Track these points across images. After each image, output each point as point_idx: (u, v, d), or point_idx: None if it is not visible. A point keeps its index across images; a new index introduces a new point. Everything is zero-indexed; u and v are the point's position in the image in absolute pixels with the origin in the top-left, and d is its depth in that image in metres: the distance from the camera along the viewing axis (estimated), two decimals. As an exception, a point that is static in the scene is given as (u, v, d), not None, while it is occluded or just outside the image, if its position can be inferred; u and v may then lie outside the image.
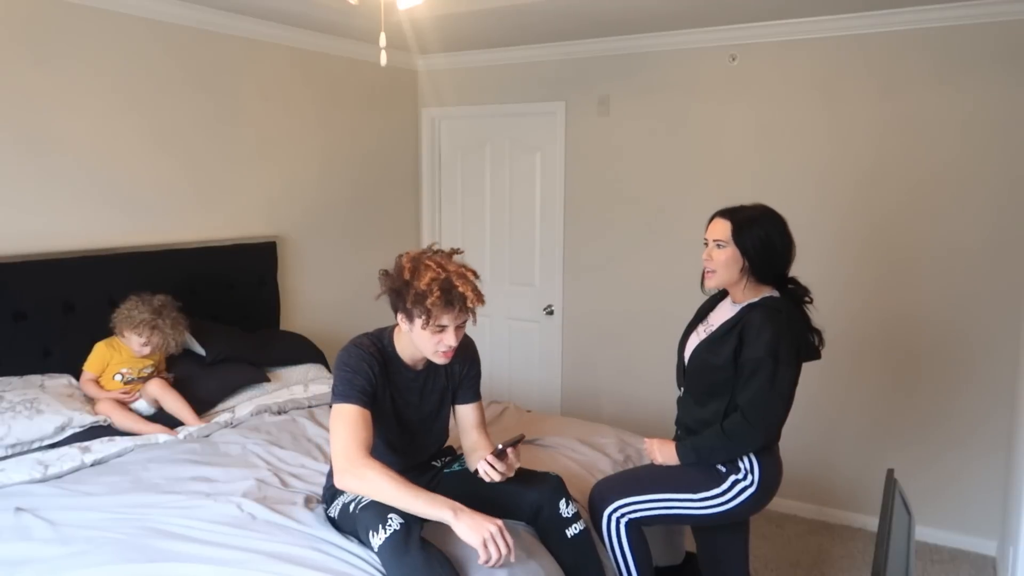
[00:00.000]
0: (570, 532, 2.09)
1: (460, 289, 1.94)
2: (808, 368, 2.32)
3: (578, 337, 4.48)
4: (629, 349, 4.29)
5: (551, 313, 4.55)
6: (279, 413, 3.03)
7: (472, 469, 2.14)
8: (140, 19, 3.26)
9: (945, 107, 3.41)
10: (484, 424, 2.27)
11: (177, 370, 3.10)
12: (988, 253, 3.39)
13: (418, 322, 1.96)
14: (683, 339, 2.48)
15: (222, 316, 3.53)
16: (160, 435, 2.74)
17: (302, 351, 3.62)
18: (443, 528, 1.98)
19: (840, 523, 3.81)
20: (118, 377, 2.90)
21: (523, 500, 2.09)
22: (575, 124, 4.31)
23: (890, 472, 2.00)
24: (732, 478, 2.26)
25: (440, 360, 2.06)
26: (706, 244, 2.31)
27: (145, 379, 2.94)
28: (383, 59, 2.32)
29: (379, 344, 2.09)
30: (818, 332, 2.31)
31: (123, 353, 2.91)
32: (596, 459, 2.70)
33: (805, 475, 3.81)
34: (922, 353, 3.57)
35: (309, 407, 3.12)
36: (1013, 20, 3.23)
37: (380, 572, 1.84)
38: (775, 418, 2.25)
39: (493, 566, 1.81)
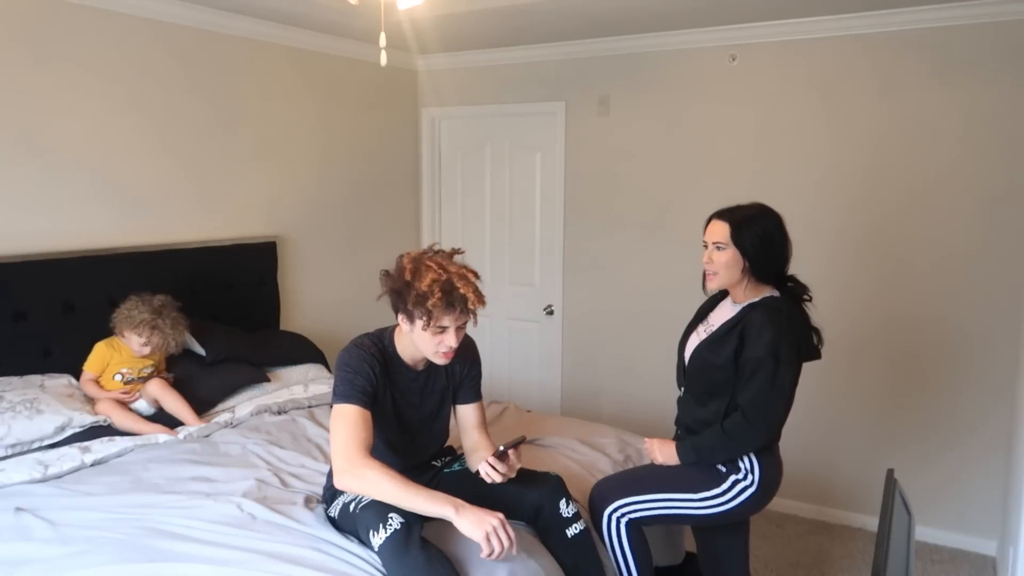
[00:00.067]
0: (570, 532, 2.10)
1: (461, 291, 1.94)
2: (808, 368, 2.32)
3: (578, 337, 4.48)
4: (629, 349, 4.29)
5: (551, 313, 4.55)
6: (279, 413, 3.03)
7: (473, 469, 2.14)
8: (140, 19, 3.26)
9: (944, 107, 3.41)
10: (485, 424, 2.27)
11: (177, 370, 3.10)
12: (988, 253, 3.39)
13: (419, 323, 1.96)
14: (683, 339, 2.48)
15: (222, 316, 3.53)
16: (160, 435, 2.74)
17: (302, 351, 3.62)
18: (443, 528, 1.98)
19: (840, 523, 3.81)
20: (118, 377, 2.90)
21: (523, 500, 2.09)
22: (575, 124, 4.31)
23: (890, 472, 2.00)
24: (732, 478, 2.26)
25: (440, 361, 2.06)
26: (705, 246, 2.31)
27: (145, 379, 2.94)
28: (383, 59, 2.32)
29: (380, 344, 2.09)
30: (817, 331, 2.32)
31: (123, 353, 2.91)
32: (596, 459, 2.70)
33: (805, 475, 3.81)
34: (922, 353, 3.57)
35: (309, 407, 3.11)
36: (1013, 20, 3.23)
37: (380, 572, 1.84)
38: (776, 418, 2.25)
39: (496, 559, 1.81)
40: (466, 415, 2.25)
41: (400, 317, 2.03)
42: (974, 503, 3.52)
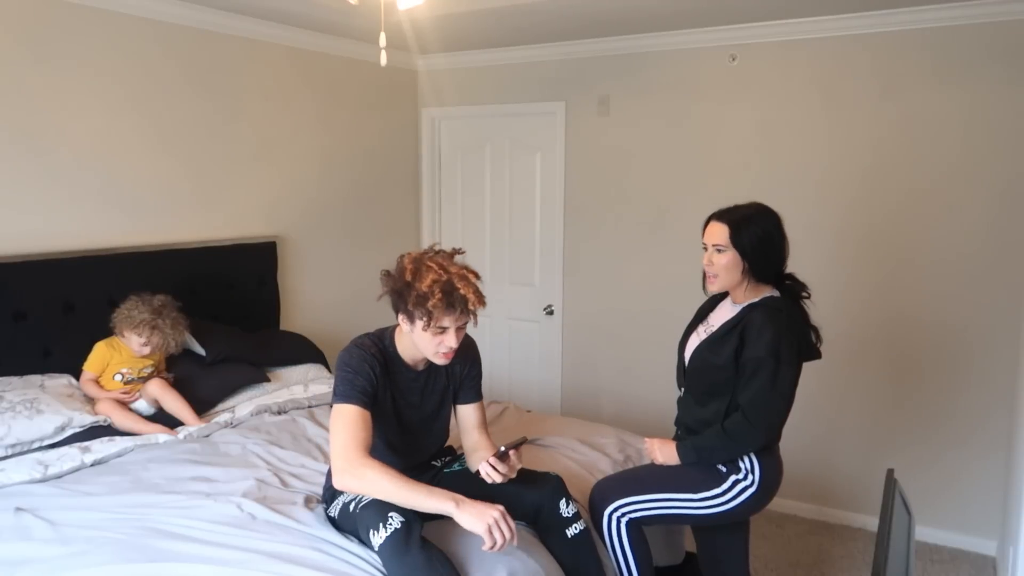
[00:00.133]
0: (570, 532, 2.10)
1: (462, 291, 1.94)
2: (808, 368, 2.32)
3: (578, 337, 4.48)
4: (629, 349, 4.29)
5: (551, 313, 4.55)
6: (279, 413, 3.03)
7: (473, 469, 2.14)
8: (140, 19, 3.26)
9: (944, 107, 3.41)
10: (485, 424, 2.27)
11: (177, 370, 3.10)
12: (988, 253, 3.39)
13: (419, 323, 1.96)
14: (683, 339, 2.49)
15: (222, 316, 3.53)
16: (160, 435, 2.74)
17: (302, 351, 3.62)
18: (443, 528, 1.98)
19: (840, 523, 3.81)
20: (118, 377, 2.90)
21: (523, 500, 2.09)
22: (575, 124, 4.31)
23: (890, 472, 2.00)
24: (733, 478, 2.26)
25: (440, 361, 2.06)
26: (705, 248, 2.31)
27: (145, 379, 2.94)
28: (383, 59, 2.32)
29: (380, 344, 2.09)
30: (816, 329, 2.32)
31: (123, 353, 2.91)
32: (596, 459, 2.70)
33: (805, 475, 3.81)
34: (922, 353, 3.57)
35: (309, 407, 3.11)
36: (1012, 20, 3.23)
37: (381, 572, 1.84)
38: (776, 418, 2.25)
39: (498, 551, 1.82)
40: (466, 415, 2.25)
41: (400, 317, 2.03)
42: (974, 503, 3.52)
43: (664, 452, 2.36)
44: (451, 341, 2.00)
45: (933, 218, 3.49)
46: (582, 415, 4.14)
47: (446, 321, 1.96)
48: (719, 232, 2.26)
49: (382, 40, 2.29)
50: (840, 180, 3.66)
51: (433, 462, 2.31)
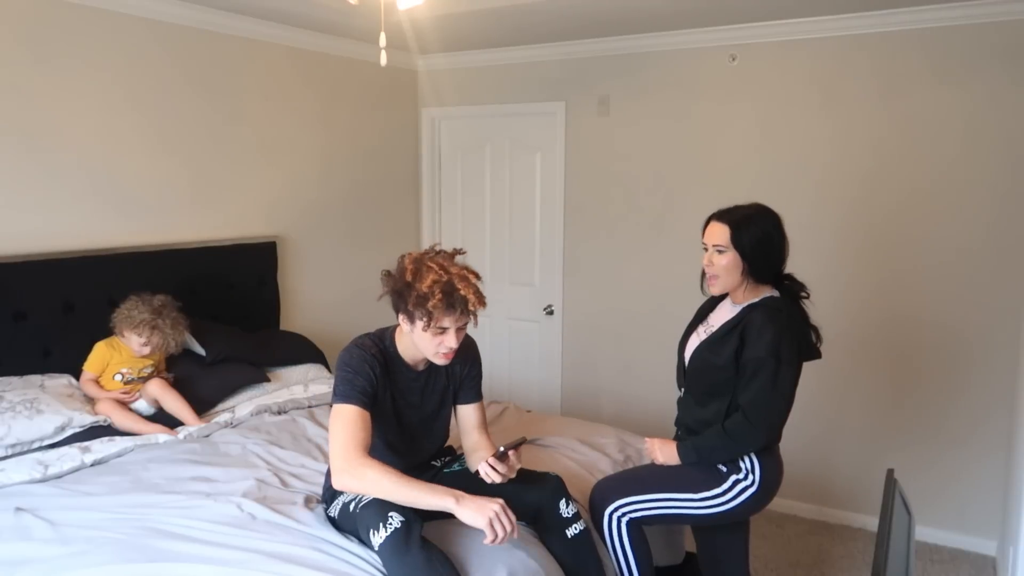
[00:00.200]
0: (570, 532, 2.10)
1: (462, 292, 1.94)
2: (808, 368, 2.32)
3: (578, 337, 4.48)
4: (629, 349, 4.29)
5: (551, 313, 4.55)
6: (279, 413, 3.03)
7: (472, 469, 2.14)
8: (140, 19, 3.26)
9: (945, 107, 3.41)
10: (485, 424, 2.27)
11: (177, 370, 3.10)
12: (988, 253, 3.39)
13: (419, 324, 1.96)
14: (683, 339, 2.48)
15: (222, 316, 3.53)
16: (160, 435, 2.74)
17: (302, 351, 3.62)
18: (443, 528, 1.98)
19: (840, 523, 3.81)
20: (118, 377, 2.90)
21: (523, 500, 2.09)
22: (575, 124, 4.32)
23: (890, 472, 2.00)
24: (733, 478, 2.26)
25: (440, 361, 2.06)
26: (705, 248, 2.31)
27: (145, 379, 2.94)
28: (383, 59, 2.32)
29: (381, 344, 2.09)
30: (815, 328, 2.32)
31: (123, 353, 2.91)
32: (596, 459, 2.70)
33: (805, 475, 3.81)
34: (922, 353, 3.57)
35: (309, 407, 3.11)
36: (1013, 20, 3.23)
37: (381, 572, 1.84)
38: (777, 418, 2.25)
39: (500, 543, 1.82)
40: (466, 415, 2.25)
41: (401, 317, 2.03)
42: (974, 503, 3.52)
43: (664, 452, 2.36)
44: (451, 341, 2.00)
45: (933, 218, 3.49)
46: (582, 415, 4.14)
47: (446, 321, 1.96)
48: (720, 232, 2.26)
49: (382, 40, 2.29)
50: (840, 180, 3.66)
51: (433, 462, 2.31)
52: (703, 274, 2.35)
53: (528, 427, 2.95)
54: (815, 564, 3.42)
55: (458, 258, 2.05)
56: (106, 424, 2.73)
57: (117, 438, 2.67)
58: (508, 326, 4.72)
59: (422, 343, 2.02)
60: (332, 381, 2.47)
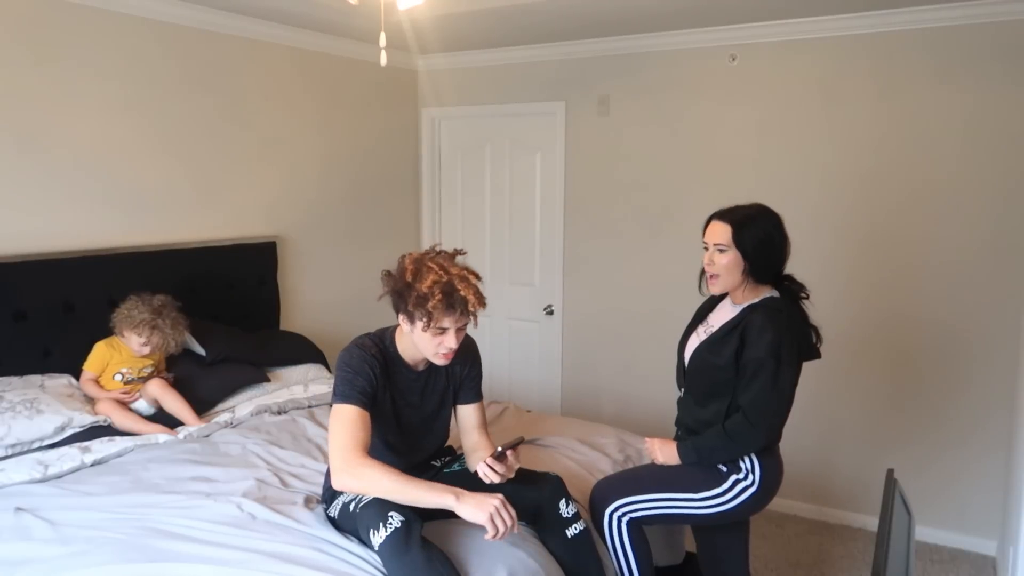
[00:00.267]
0: (570, 532, 2.10)
1: (462, 293, 1.94)
2: (808, 368, 2.32)
3: (578, 337, 4.48)
4: (629, 349, 4.29)
5: (551, 313, 4.55)
6: (279, 413, 3.03)
7: (472, 469, 2.14)
8: (140, 19, 3.26)
9: (945, 107, 3.41)
10: (485, 424, 2.27)
11: (177, 370, 3.10)
12: (988, 253, 3.39)
13: (419, 324, 1.96)
14: (683, 340, 2.48)
15: (222, 316, 3.53)
16: (160, 435, 2.74)
17: (302, 351, 3.62)
18: (443, 528, 1.98)
19: (840, 523, 3.81)
20: (118, 377, 2.90)
21: (523, 500, 2.09)
22: (575, 124, 4.31)
23: (890, 472, 2.00)
24: (733, 478, 2.26)
25: (440, 361, 2.06)
26: (706, 248, 2.31)
27: (145, 379, 2.94)
28: (383, 59, 2.32)
29: (381, 345, 2.10)
30: (815, 329, 2.32)
31: (123, 353, 2.91)
32: (596, 459, 2.70)
33: (805, 475, 3.81)
34: (922, 353, 3.57)
35: (309, 407, 3.11)
36: (1013, 20, 3.23)
37: (381, 571, 1.84)
38: (777, 418, 2.25)
39: (501, 538, 1.83)
40: (466, 415, 2.25)
41: (401, 318, 2.03)
42: (974, 503, 3.52)
43: (664, 452, 2.36)
44: (451, 342, 2.00)
45: (933, 218, 3.49)
46: (582, 415, 4.14)
47: (446, 322, 1.96)
48: (721, 232, 2.26)
49: (382, 40, 2.29)
50: (840, 180, 3.66)
51: (433, 462, 2.31)
52: (702, 274, 2.35)
53: (528, 427, 2.95)
54: (815, 564, 3.42)
55: (458, 258, 2.05)
56: (106, 424, 2.73)
57: (117, 438, 2.67)
58: (508, 326, 4.72)
59: (422, 343, 2.02)
60: (332, 381, 2.47)
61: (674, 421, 2.50)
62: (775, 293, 2.30)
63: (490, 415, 2.98)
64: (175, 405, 2.90)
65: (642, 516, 2.29)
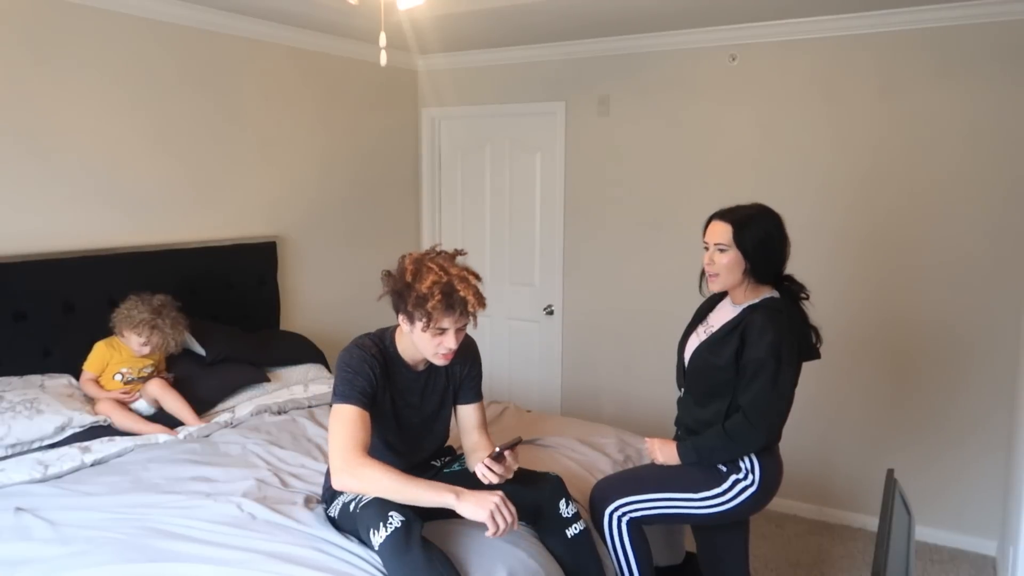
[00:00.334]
0: (570, 532, 2.10)
1: (461, 293, 1.94)
2: (808, 368, 2.32)
3: (578, 337, 4.48)
4: (629, 349, 4.29)
5: (551, 313, 4.55)
6: (279, 413, 3.03)
7: (472, 470, 2.14)
8: (140, 19, 3.26)
9: (945, 107, 3.41)
10: (485, 424, 2.27)
11: (177, 370, 3.10)
12: (988, 253, 3.39)
13: (419, 324, 1.96)
14: (683, 340, 2.48)
15: (222, 316, 3.53)
16: (160, 435, 2.74)
17: (302, 351, 3.62)
18: (443, 528, 1.98)
19: (840, 523, 3.81)
20: (118, 377, 2.90)
21: (523, 500, 2.09)
22: (575, 124, 4.31)
23: (890, 472, 2.00)
24: (733, 478, 2.26)
25: (440, 362, 2.06)
26: (706, 247, 2.31)
27: (145, 379, 2.94)
28: (383, 59, 2.32)
29: (381, 345, 2.10)
30: (815, 329, 2.32)
31: (123, 353, 2.91)
32: (596, 459, 2.70)
33: (805, 475, 3.81)
34: (922, 353, 3.57)
35: (309, 407, 3.11)
36: (1013, 20, 3.23)
37: (381, 571, 1.84)
38: (777, 418, 2.25)
39: (501, 535, 1.83)
40: (466, 415, 2.25)
41: (401, 318, 2.03)
42: (974, 503, 3.52)
43: (664, 452, 2.36)
44: (450, 342, 2.00)
45: (933, 218, 3.49)
46: (582, 415, 4.14)
47: (445, 323, 1.96)
48: (722, 231, 2.26)
49: (382, 40, 2.29)
50: (840, 180, 3.66)
51: (433, 462, 2.31)
52: (703, 274, 2.35)
53: (528, 427, 2.95)
54: (815, 564, 3.42)
55: (459, 259, 2.05)
56: (106, 424, 2.73)
57: (117, 438, 2.67)
58: (508, 326, 4.72)
59: (421, 343, 2.02)
60: (332, 381, 2.47)
61: (674, 421, 2.50)
62: (775, 293, 2.30)
63: (490, 415, 2.98)
64: (175, 405, 2.90)
65: (642, 516, 2.29)
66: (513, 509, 1.85)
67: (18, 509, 2.12)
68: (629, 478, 2.42)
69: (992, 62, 3.30)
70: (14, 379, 2.76)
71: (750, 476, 2.25)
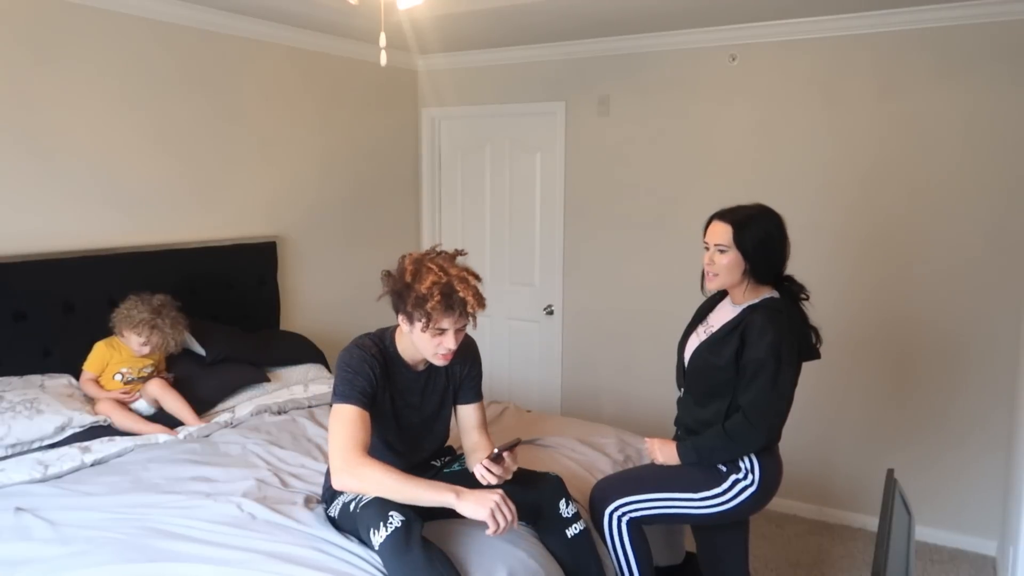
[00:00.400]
0: (570, 532, 2.10)
1: (461, 294, 1.94)
2: (808, 368, 2.32)
3: (578, 337, 4.48)
4: (629, 349, 4.29)
5: (551, 313, 4.55)
6: (279, 413, 3.03)
7: (471, 470, 2.14)
8: (140, 19, 3.26)
9: (945, 107, 3.41)
10: (485, 424, 2.27)
11: (177, 370, 3.10)
12: (988, 252, 3.39)
13: (418, 324, 1.96)
14: (683, 340, 2.48)
15: (222, 316, 3.53)
16: (160, 435, 2.74)
17: (302, 351, 3.62)
18: (443, 528, 1.98)
19: (840, 523, 3.81)
20: (118, 377, 2.90)
21: (523, 500, 2.09)
22: (575, 124, 4.32)
23: (890, 472, 2.00)
24: (733, 478, 2.26)
25: (439, 362, 2.06)
26: (706, 248, 2.31)
27: (145, 379, 2.94)
28: (383, 59, 2.32)
29: (381, 345, 2.10)
30: (815, 329, 2.32)
31: (123, 353, 2.91)
32: (596, 459, 2.70)
33: (805, 475, 3.81)
34: (922, 353, 3.57)
35: (309, 407, 3.11)
36: (1013, 20, 3.23)
37: (381, 571, 1.84)
38: (777, 418, 2.25)
39: (501, 534, 1.84)
40: (466, 415, 2.25)
41: (400, 318, 2.03)
42: (974, 503, 3.52)
43: (664, 452, 2.37)
44: (450, 343, 2.00)
45: (933, 218, 3.49)
46: (582, 415, 4.14)
47: (445, 323, 1.96)
48: (722, 232, 2.26)
49: (382, 40, 2.29)
50: (840, 180, 3.66)
51: (433, 462, 2.31)
52: (703, 274, 2.35)
53: (528, 427, 2.95)
54: (815, 564, 3.42)
55: (459, 259, 2.05)
56: (106, 424, 2.73)
57: (117, 438, 2.67)
58: (508, 326, 4.72)
59: (421, 344, 2.02)
60: (332, 381, 2.47)
61: (674, 421, 2.50)
62: (775, 294, 2.30)
63: (490, 415, 2.98)
64: (175, 405, 2.90)
65: (642, 516, 2.29)
66: (513, 507, 1.85)
67: (18, 509, 2.12)
68: (629, 478, 2.42)
69: (992, 62, 3.30)
70: (14, 379, 2.76)
71: (750, 476, 2.25)
